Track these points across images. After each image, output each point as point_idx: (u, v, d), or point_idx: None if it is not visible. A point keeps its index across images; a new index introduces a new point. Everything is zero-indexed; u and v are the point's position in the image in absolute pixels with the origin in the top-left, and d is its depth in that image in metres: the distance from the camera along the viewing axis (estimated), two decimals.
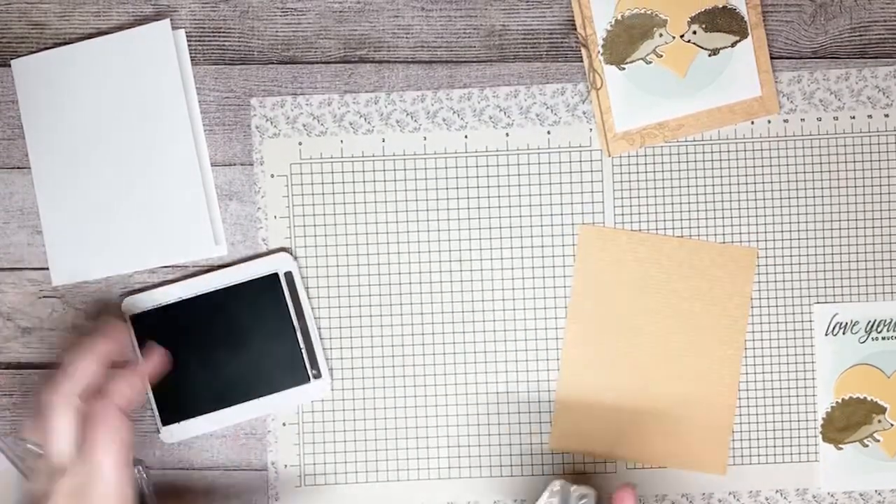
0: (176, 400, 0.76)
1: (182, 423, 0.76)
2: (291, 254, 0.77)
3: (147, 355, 0.74)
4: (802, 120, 0.77)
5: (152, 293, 0.76)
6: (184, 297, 0.76)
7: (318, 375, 0.76)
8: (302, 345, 0.76)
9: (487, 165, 0.77)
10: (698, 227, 0.77)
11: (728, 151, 0.77)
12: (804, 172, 0.77)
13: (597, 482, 0.77)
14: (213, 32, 0.77)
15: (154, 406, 0.76)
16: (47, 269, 0.77)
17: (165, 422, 0.76)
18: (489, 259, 0.77)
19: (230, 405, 0.76)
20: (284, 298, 0.76)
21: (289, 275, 0.76)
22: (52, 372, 0.68)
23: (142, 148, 0.76)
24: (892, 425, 0.77)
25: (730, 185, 0.77)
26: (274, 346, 0.76)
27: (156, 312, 0.76)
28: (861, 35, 0.77)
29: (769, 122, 0.77)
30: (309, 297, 0.77)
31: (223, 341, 0.76)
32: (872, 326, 0.77)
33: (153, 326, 0.76)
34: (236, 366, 0.76)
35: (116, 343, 0.70)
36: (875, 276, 0.77)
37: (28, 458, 0.68)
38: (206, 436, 0.77)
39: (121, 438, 0.66)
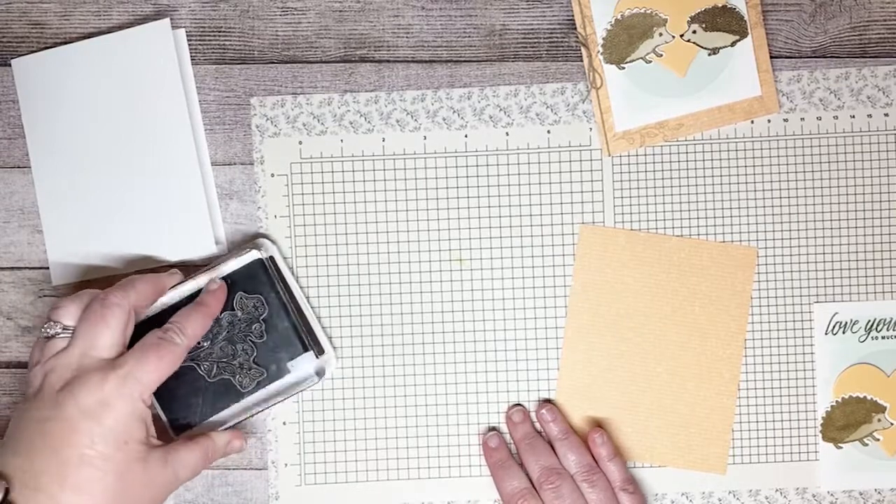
0: (182, 401, 0.75)
1: (194, 429, 0.75)
2: (270, 239, 0.77)
3: (210, 294, 0.72)
4: (802, 119, 0.77)
5: None
6: (169, 304, 0.74)
7: (321, 353, 0.76)
8: (300, 326, 0.76)
9: (487, 165, 0.77)
10: (698, 227, 0.77)
11: (728, 151, 0.77)
12: (804, 172, 0.77)
13: None
14: (213, 32, 0.77)
15: (161, 414, 0.74)
16: (47, 268, 0.77)
17: (177, 431, 0.74)
18: (489, 258, 0.77)
19: (239, 399, 0.75)
20: (272, 283, 0.75)
21: (271, 260, 0.76)
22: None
23: (142, 147, 0.76)
24: (891, 424, 0.77)
25: (730, 184, 0.77)
26: (271, 333, 0.75)
27: (149, 321, 0.74)
28: (861, 34, 0.77)
29: (769, 121, 0.77)
30: (297, 278, 0.76)
31: (220, 336, 0.75)
32: (872, 326, 0.77)
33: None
34: (239, 360, 0.75)
35: (176, 280, 0.72)
36: (875, 276, 0.77)
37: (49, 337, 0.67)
38: None
39: (164, 373, 0.66)
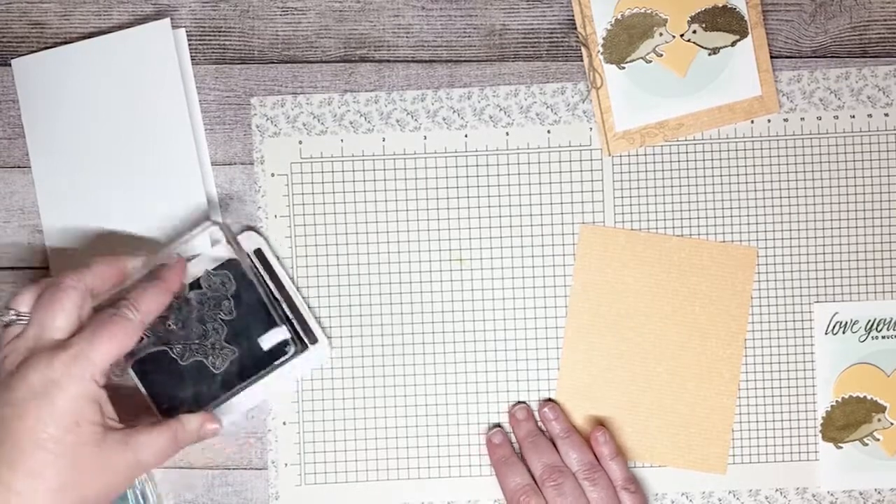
0: (181, 403, 0.75)
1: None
2: (257, 231, 0.77)
3: (167, 269, 0.70)
4: (802, 119, 0.77)
5: None
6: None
7: (314, 341, 0.76)
8: (290, 315, 0.76)
9: (487, 164, 0.77)
10: (698, 227, 0.77)
11: (728, 151, 0.77)
12: (804, 172, 0.77)
13: None
14: (213, 32, 0.77)
15: (155, 409, 0.74)
16: (47, 268, 0.77)
17: (166, 416, 0.74)
18: (489, 258, 0.77)
19: (237, 393, 0.74)
20: (261, 275, 0.75)
21: (259, 252, 0.76)
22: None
23: (142, 147, 0.76)
24: (891, 424, 0.77)
25: (730, 184, 0.77)
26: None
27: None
28: (861, 34, 0.77)
29: (769, 121, 0.77)
30: (285, 269, 0.76)
31: (213, 331, 0.75)
32: (872, 325, 0.77)
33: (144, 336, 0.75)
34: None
35: (136, 262, 0.70)
36: (875, 276, 0.77)
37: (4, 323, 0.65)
38: None
39: (116, 351, 0.64)
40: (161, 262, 0.71)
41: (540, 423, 0.76)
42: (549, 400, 0.77)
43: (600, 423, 0.76)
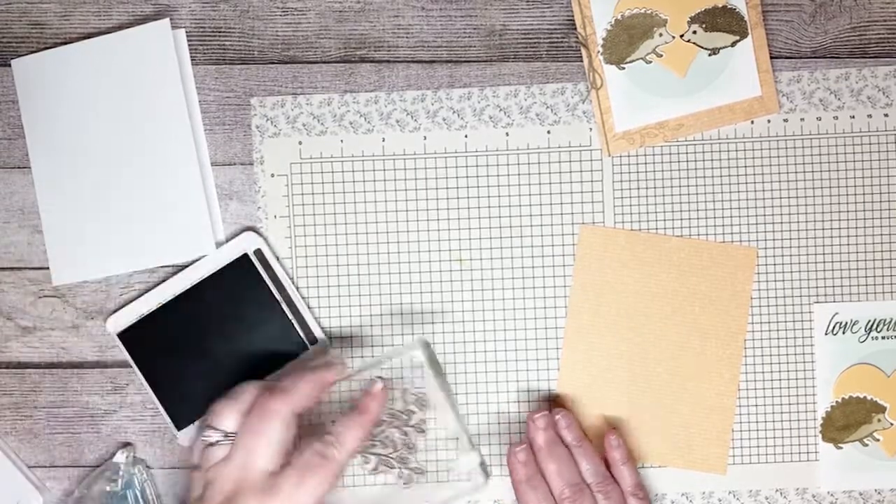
0: (184, 403, 0.76)
1: (196, 423, 0.76)
2: (257, 231, 0.77)
3: (370, 399, 0.69)
4: (802, 119, 0.77)
5: (132, 306, 0.76)
6: (164, 302, 0.76)
7: (314, 341, 0.76)
8: (290, 315, 0.76)
9: (487, 165, 0.77)
10: (698, 227, 0.77)
11: (728, 151, 0.77)
12: (804, 172, 0.77)
13: None
14: (213, 32, 0.77)
15: (164, 414, 0.76)
16: (47, 268, 0.77)
17: (180, 427, 0.76)
18: (489, 258, 0.77)
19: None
20: (260, 275, 0.76)
21: (258, 252, 0.76)
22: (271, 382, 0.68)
23: (142, 147, 0.76)
24: (891, 424, 0.77)
25: (730, 184, 0.77)
26: (264, 325, 0.75)
27: (142, 323, 0.76)
28: (861, 35, 0.77)
29: (769, 121, 0.77)
30: (284, 269, 0.76)
31: (214, 334, 0.75)
32: (872, 326, 0.77)
33: (143, 338, 0.76)
34: (234, 354, 0.75)
35: (338, 376, 0.70)
36: (875, 276, 0.77)
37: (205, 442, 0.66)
38: None
39: (322, 493, 0.64)
40: (362, 380, 0.71)
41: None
42: (558, 404, 0.77)
43: (604, 429, 0.76)
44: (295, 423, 0.66)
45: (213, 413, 0.67)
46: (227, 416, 0.66)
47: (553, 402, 0.77)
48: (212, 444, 0.66)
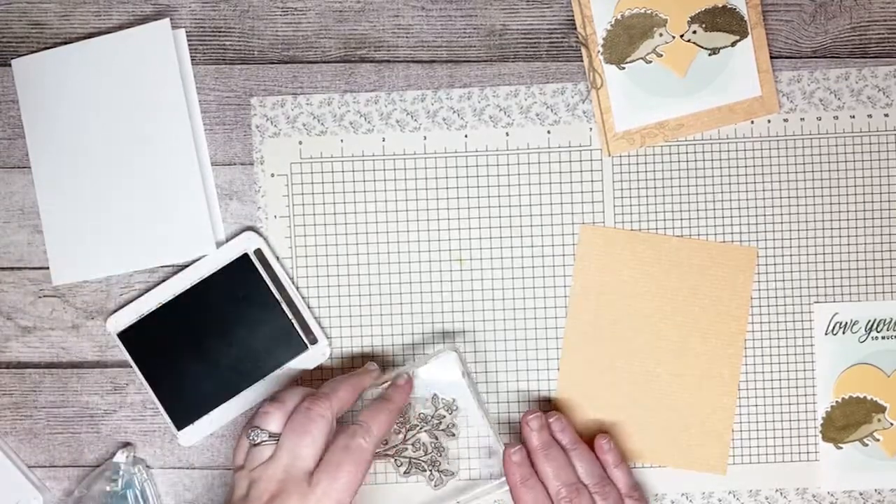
0: (184, 403, 0.76)
1: (196, 423, 0.76)
2: (257, 231, 0.77)
3: (395, 389, 0.73)
4: (802, 119, 0.77)
5: (133, 306, 0.76)
6: (164, 301, 0.76)
7: (314, 341, 0.76)
8: (290, 315, 0.76)
9: (487, 165, 0.77)
10: (698, 227, 0.77)
11: (728, 151, 0.77)
12: (804, 172, 0.77)
13: None
14: (213, 32, 0.77)
15: (164, 414, 0.76)
16: (47, 268, 0.77)
17: (179, 426, 0.76)
18: (489, 258, 0.77)
19: (238, 392, 0.76)
20: (260, 275, 0.76)
21: (259, 252, 0.76)
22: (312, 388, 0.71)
23: (142, 148, 0.76)
24: (891, 424, 0.77)
25: (730, 184, 0.77)
26: (264, 324, 0.76)
27: (142, 323, 0.76)
28: (861, 35, 0.77)
29: (769, 121, 0.77)
30: (284, 269, 0.77)
31: (214, 333, 0.75)
32: (872, 326, 0.77)
33: (143, 338, 0.76)
34: (234, 354, 0.76)
35: (374, 381, 0.73)
36: (875, 276, 0.77)
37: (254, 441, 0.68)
38: (208, 434, 0.77)
39: (357, 482, 0.67)
40: (390, 381, 0.74)
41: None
42: (553, 406, 0.77)
43: (602, 430, 0.76)
44: (334, 425, 0.69)
45: (259, 414, 0.69)
46: (274, 416, 0.68)
47: (548, 405, 0.77)
48: (257, 445, 0.68)
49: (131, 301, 0.76)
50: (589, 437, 0.75)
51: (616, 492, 0.73)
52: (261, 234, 0.77)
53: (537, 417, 0.73)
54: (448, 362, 0.74)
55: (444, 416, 0.74)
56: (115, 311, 0.76)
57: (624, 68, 0.77)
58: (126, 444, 0.77)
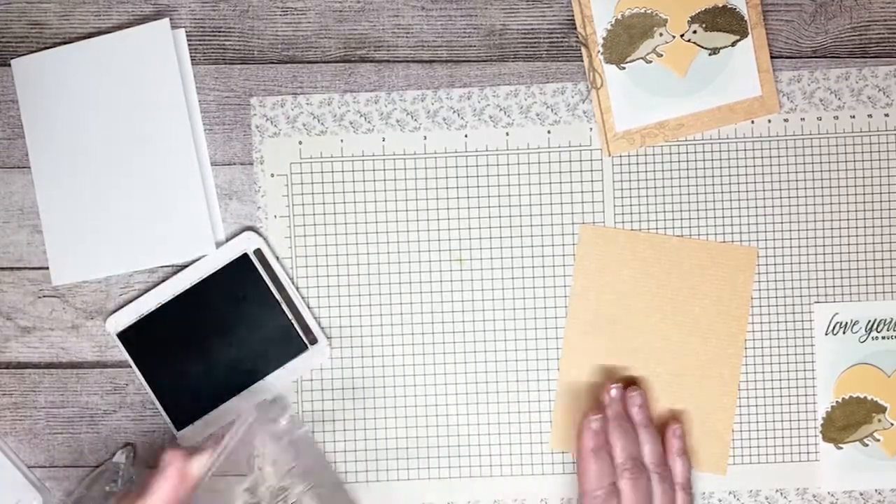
0: (183, 403, 0.76)
1: (195, 423, 0.76)
2: (257, 231, 0.77)
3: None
4: (802, 119, 0.77)
5: (132, 306, 0.76)
6: (164, 302, 0.76)
7: (314, 341, 0.76)
8: (290, 315, 0.76)
9: (487, 165, 0.77)
10: (698, 227, 0.77)
11: (728, 151, 0.77)
12: (804, 172, 0.77)
13: None
14: (212, 32, 0.77)
15: (164, 414, 0.76)
16: (47, 268, 0.77)
17: (179, 427, 0.76)
18: (489, 258, 0.77)
19: (238, 393, 0.76)
20: (260, 275, 0.76)
21: (258, 252, 0.76)
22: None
23: (142, 148, 0.76)
24: (892, 424, 0.77)
25: (730, 184, 0.77)
26: (264, 324, 0.76)
27: (141, 323, 0.76)
28: (861, 34, 0.77)
29: (769, 121, 0.77)
30: (284, 269, 0.77)
31: (214, 334, 0.76)
32: (872, 326, 0.77)
33: (143, 338, 0.76)
34: (234, 354, 0.76)
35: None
36: (875, 276, 0.77)
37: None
38: (207, 435, 0.77)
39: None
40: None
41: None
42: (633, 382, 0.77)
43: (676, 417, 0.77)
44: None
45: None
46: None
47: (629, 382, 0.77)
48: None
49: (131, 301, 0.76)
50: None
51: (671, 478, 0.73)
52: (261, 234, 0.77)
53: (619, 388, 0.74)
54: (277, 421, 0.66)
55: (292, 485, 0.65)
56: (115, 311, 0.76)
57: (624, 68, 0.77)
58: (126, 445, 0.77)
